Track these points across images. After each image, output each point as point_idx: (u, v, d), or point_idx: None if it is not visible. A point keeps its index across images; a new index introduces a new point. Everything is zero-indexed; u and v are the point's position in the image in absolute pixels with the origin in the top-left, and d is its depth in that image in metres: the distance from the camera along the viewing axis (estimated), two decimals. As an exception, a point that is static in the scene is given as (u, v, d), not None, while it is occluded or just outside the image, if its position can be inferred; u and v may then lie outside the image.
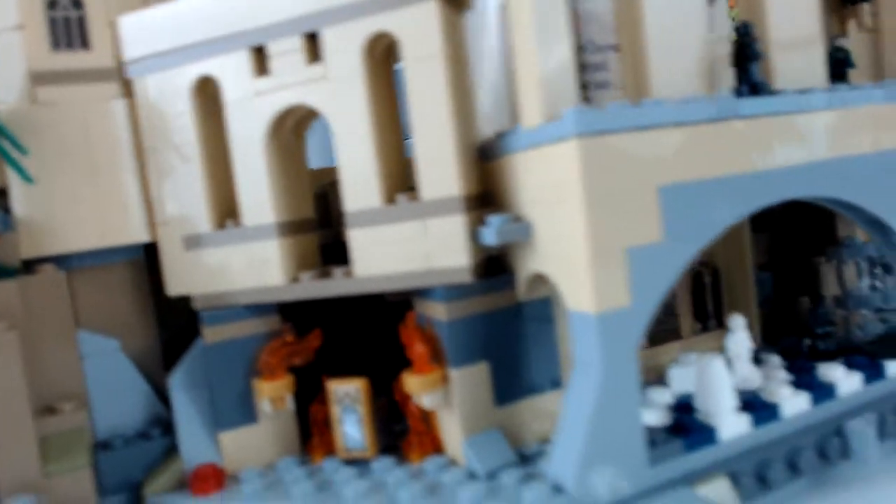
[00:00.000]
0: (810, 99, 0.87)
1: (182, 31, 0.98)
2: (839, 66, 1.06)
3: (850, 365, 0.95)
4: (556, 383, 0.93)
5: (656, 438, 0.81)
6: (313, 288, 0.96)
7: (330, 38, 0.91)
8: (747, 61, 0.90)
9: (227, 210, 1.02)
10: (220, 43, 0.96)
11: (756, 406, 0.87)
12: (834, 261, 1.12)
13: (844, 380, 0.92)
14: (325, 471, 0.96)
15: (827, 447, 0.89)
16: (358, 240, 0.92)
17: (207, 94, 1.00)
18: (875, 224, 0.95)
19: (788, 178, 0.85)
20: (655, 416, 0.87)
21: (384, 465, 0.93)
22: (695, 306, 1.12)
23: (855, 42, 1.20)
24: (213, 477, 0.95)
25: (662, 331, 1.09)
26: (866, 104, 0.90)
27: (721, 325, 1.13)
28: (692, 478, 0.81)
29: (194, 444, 1.00)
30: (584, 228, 0.76)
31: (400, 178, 0.97)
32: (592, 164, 0.76)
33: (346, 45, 0.90)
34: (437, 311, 0.90)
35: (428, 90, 0.88)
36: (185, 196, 1.01)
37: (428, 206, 0.88)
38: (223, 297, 1.00)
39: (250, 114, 0.96)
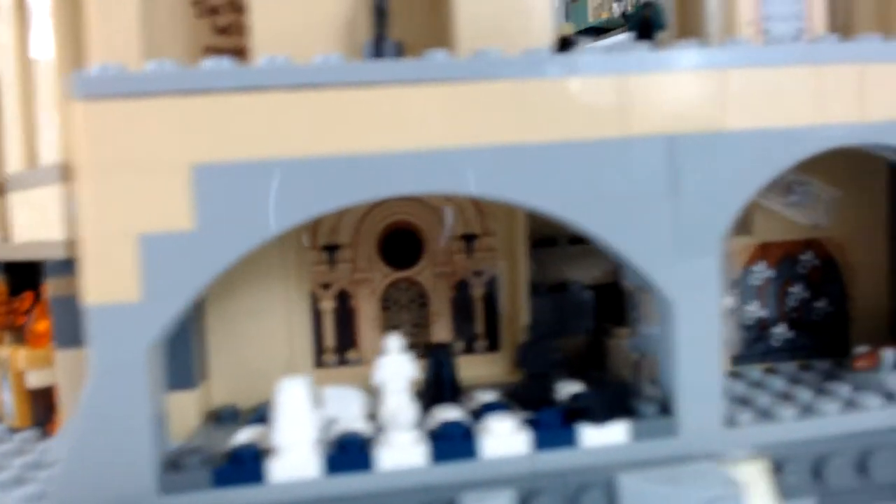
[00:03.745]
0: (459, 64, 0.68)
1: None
2: (646, 27, 0.82)
3: (537, 422, 0.73)
4: (188, 381, 0.82)
5: (189, 464, 0.68)
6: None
7: None
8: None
9: None
10: None
11: (347, 450, 0.70)
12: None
13: (505, 438, 0.70)
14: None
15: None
16: (11, 204, 0.87)
17: None
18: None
19: (396, 167, 0.67)
20: (247, 436, 0.74)
21: (25, 437, 0.88)
22: (459, 322, 0.94)
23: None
24: None
25: (415, 344, 0.92)
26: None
27: (495, 348, 0.94)
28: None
29: None
30: (84, 208, 0.65)
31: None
32: (98, 132, 0.64)
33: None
34: (50, 287, 0.83)
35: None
36: None
37: (40, 175, 0.80)
38: None
39: None
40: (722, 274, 0.72)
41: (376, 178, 0.68)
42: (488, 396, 0.81)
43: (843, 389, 0.81)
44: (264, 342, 0.87)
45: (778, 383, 0.85)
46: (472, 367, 0.91)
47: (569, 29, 0.87)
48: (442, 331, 0.92)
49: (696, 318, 0.72)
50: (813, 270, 0.94)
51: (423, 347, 0.85)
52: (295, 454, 0.68)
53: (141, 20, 0.70)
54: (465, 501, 0.67)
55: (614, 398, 0.75)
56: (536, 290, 0.95)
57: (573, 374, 0.86)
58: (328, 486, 0.68)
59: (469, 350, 0.92)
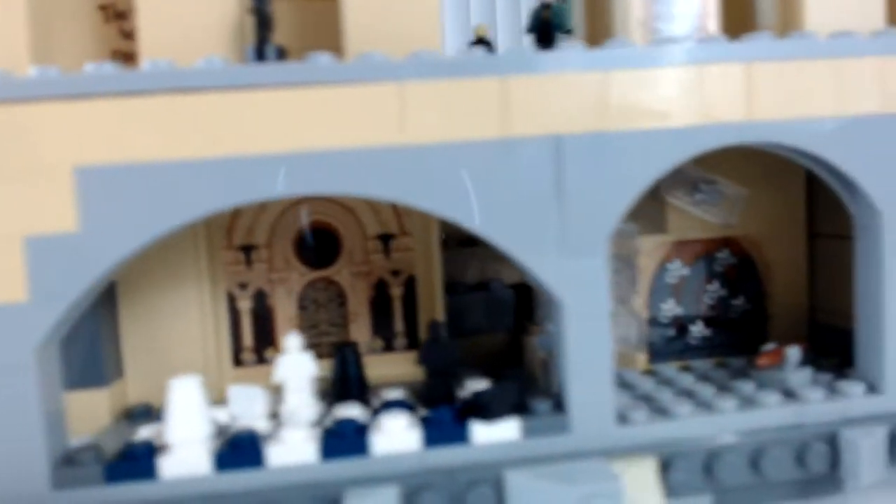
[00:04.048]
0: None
1: None
2: (545, 29, 0.82)
3: (431, 420, 0.74)
4: (99, 379, 0.83)
5: (82, 460, 0.69)
6: None
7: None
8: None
9: None
10: None
11: (238, 447, 0.71)
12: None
13: (395, 435, 0.71)
14: None
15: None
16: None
17: None
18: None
19: (279, 168, 0.68)
20: (147, 433, 0.75)
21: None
22: (378, 320, 0.95)
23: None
24: None
25: (331, 343, 0.93)
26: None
27: (414, 346, 0.94)
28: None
29: None
30: (-27, 210, 0.66)
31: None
32: (-14, 134, 0.66)
33: None
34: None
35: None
36: None
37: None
38: None
39: None
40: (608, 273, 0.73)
41: (259, 180, 0.69)
42: (394, 394, 0.82)
43: (746, 387, 0.82)
44: (182, 341, 0.88)
45: (686, 381, 0.86)
46: (392, 366, 0.93)
47: (484, 30, 0.87)
48: (360, 330, 0.93)
49: (584, 317, 0.73)
50: (730, 268, 0.94)
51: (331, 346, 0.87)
52: (186, 451, 0.69)
53: (30, 26, 0.71)
54: (348, 498, 0.68)
55: (510, 396, 0.75)
56: (458, 288, 0.96)
57: (492, 372, 0.88)
58: (218, 483, 0.69)
59: (388, 348, 0.94)
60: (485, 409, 0.74)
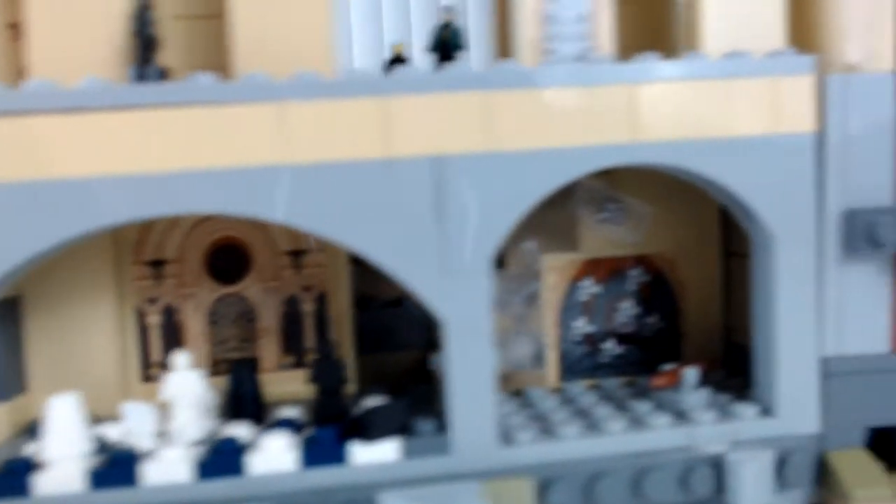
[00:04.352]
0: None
1: None
2: (445, 48, 0.82)
3: (312, 440, 0.73)
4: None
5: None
6: None
7: None
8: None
9: None
10: None
11: (115, 465, 0.71)
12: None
13: (274, 455, 0.71)
14: None
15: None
16: None
17: None
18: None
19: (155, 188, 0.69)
20: (32, 450, 0.75)
21: None
22: (289, 336, 0.95)
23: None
24: None
25: (241, 360, 0.93)
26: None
27: (326, 364, 0.94)
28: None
29: None
30: None
31: None
32: None
33: None
34: None
35: None
36: None
37: None
38: None
39: None
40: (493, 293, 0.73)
41: (138, 199, 0.69)
42: (288, 412, 0.82)
43: (643, 407, 0.81)
44: (90, 356, 0.89)
45: (587, 400, 0.85)
46: (300, 383, 0.92)
47: (400, 48, 0.87)
48: (271, 346, 0.93)
49: (466, 336, 0.73)
50: (643, 286, 0.93)
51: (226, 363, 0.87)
52: (61, 468, 0.70)
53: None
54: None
55: (396, 415, 0.75)
56: (370, 305, 0.96)
57: (400, 390, 0.87)
58: (93, 500, 0.70)
59: (299, 365, 0.94)
60: (367, 428, 0.74)
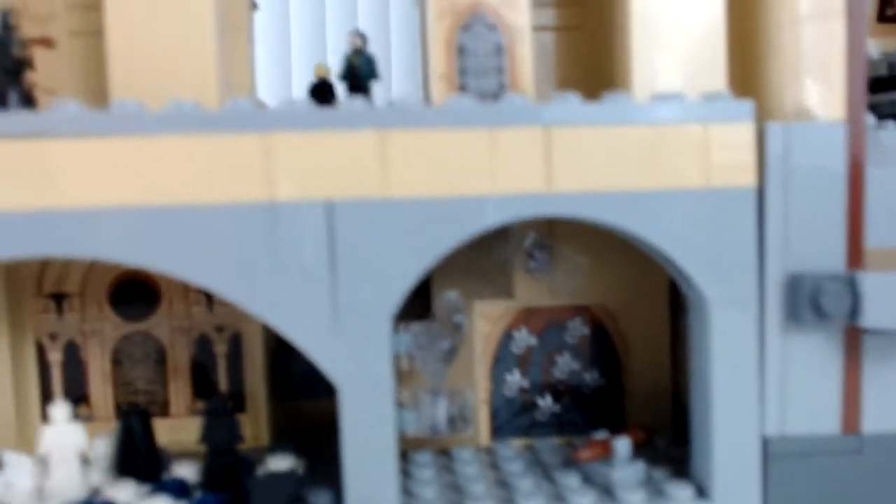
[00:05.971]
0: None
1: None
2: (355, 77, 0.75)
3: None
4: None
5: None
6: None
7: None
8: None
9: None
10: None
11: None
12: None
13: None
14: None
15: None
16: None
17: None
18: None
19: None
20: None
21: None
22: (199, 379, 0.88)
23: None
24: None
25: (132, 408, 0.86)
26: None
27: (240, 409, 0.88)
28: None
29: None
30: None
31: None
32: None
33: None
34: None
35: None
36: None
37: None
38: None
39: None
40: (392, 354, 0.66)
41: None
42: (183, 470, 0.75)
43: (570, 480, 0.73)
44: (-14, 393, 0.83)
45: (513, 466, 0.78)
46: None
47: (324, 70, 0.81)
48: (181, 389, 0.87)
49: (363, 403, 0.66)
50: (582, 339, 0.86)
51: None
52: None
53: None
54: None
55: (285, 485, 0.68)
56: (288, 347, 0.89)
57: (316, 444, 0.81)
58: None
59: (211, 410, 0.87)
60: (251, 500, 0.67)
